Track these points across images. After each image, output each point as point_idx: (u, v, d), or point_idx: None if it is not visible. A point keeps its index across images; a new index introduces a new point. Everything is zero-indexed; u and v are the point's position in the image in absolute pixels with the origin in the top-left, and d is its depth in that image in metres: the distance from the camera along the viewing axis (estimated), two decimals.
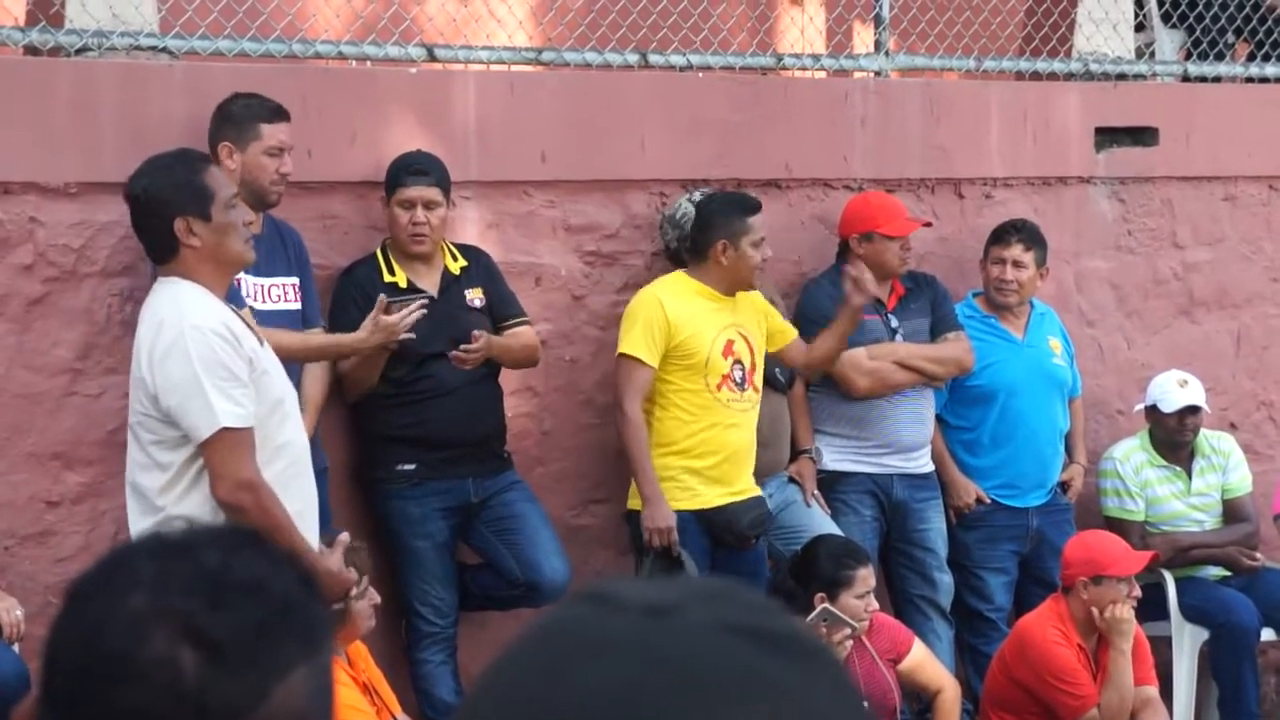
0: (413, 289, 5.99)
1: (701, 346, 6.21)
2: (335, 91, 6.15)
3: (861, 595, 6.14)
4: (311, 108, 6.01)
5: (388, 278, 5.98)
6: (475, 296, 6.10)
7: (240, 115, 5.66)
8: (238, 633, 1.39)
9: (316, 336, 5.70)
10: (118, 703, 1.37)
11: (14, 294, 5.64)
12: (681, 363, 6.21)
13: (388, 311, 5.61)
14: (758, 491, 6.35)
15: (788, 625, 1.16)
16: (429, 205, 5.94)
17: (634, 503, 6.27)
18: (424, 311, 5.59)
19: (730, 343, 6.28)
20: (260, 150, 5.63)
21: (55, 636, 1.43)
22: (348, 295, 5.97)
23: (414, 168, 5.95)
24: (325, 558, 4.82)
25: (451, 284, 6.06)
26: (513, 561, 6.06)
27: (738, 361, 6.28)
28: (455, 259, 6.10)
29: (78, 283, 5.70)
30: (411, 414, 5.99)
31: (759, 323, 6.41)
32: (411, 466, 5.99)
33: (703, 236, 6.29)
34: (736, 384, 6.27)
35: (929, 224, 6.94)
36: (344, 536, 4.96)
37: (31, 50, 5.87)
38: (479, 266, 6.15)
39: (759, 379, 6.36)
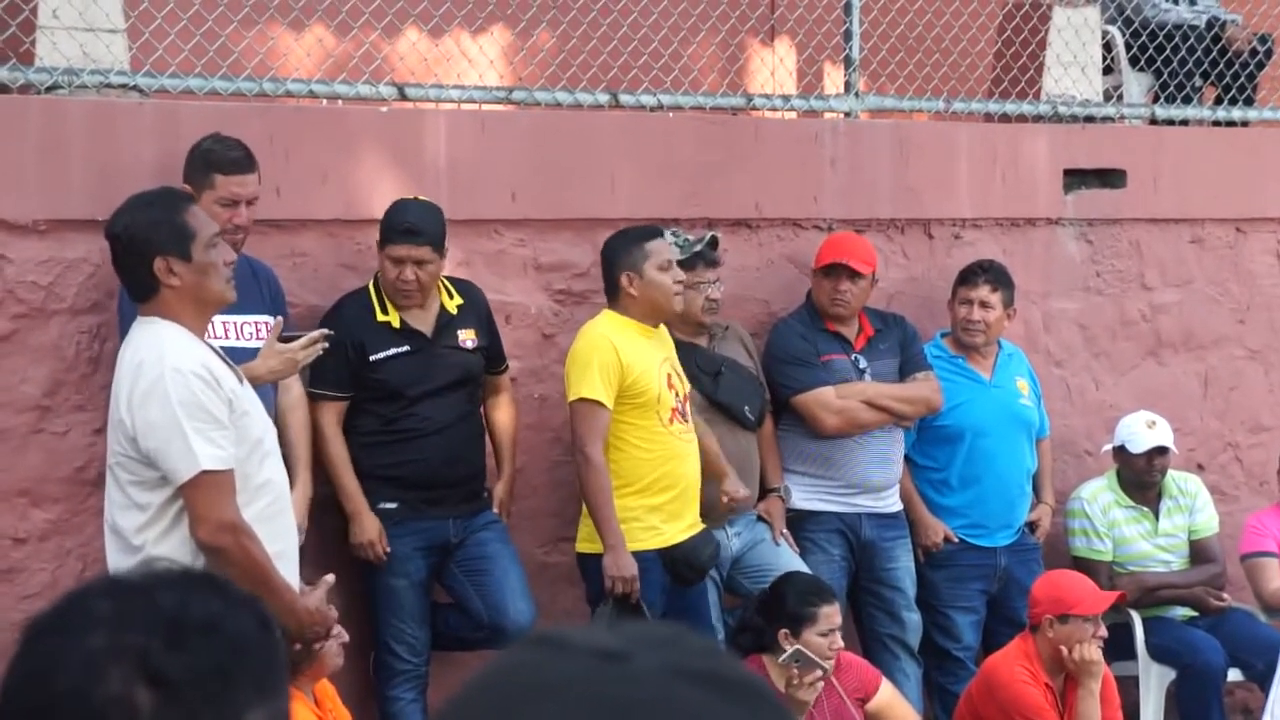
0: (406, 329, 5.99)
1: (651, 384, 6.18)
2: (306, 130, 6.16)
3: (825, 633, 6.13)
4: (282, 146, 6.02)
5: (380, 317, 5.98)
6: (468, 338, 6.10)
7: (200, 161, 5.63)
8: (194, 673, 1.38)
9: None
10: None
11: None
12: (634, 401, 6.16)
13: (285, 340, 5.31)
14: (702, 524, 6.34)
15: (738, 670, 1.16)
16: (419, 263, 5.92)
17: (585, 545, 6.24)
18: (326, 346, 5.29)
19: (669, 375, 6.27)
20: (212, 200, 5.54)
21: (10, 675, 1.42)
22: (335, 332, 5.96)
23: (405, 227, 5.88)
24: (306, 596, 4.81)
25: (447, 324, 6.06)
26: (479, 604, 6.06)
27: (676, 394, 6.28)
28: (451, 296, 6.09)
29: (46, 320, 5.69)
30: (396, 453, 5.99)
31: (674, 352, 6.39)
32: (393, 505, 5.99)
33: (609, 275, 6.25)
34: (682, 416, 6.27)
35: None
36: (329, 577, 4.97)
37: (1, 88, 5.87)
38: (474, 306, 6.14)
39: (690, 409, 6.35)
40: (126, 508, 4.66)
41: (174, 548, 4.57)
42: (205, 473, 4.54)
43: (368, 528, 5.96)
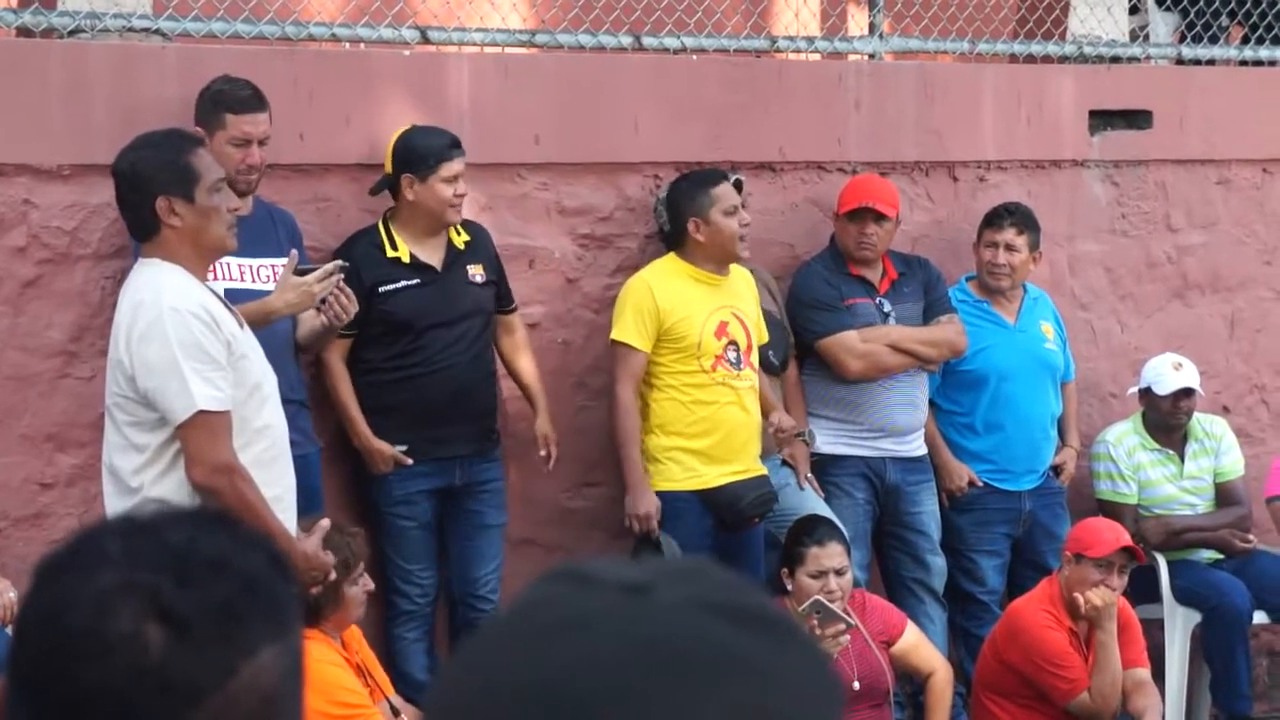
0: (416, 263, 6.00)
1: (692, 329, 6.25)
2: (329, 74, 6.15)
3: (817, 575, 6.08)
4: (305, 90, 6.01)
5: (390, 253, 5.99)
6: (477, 272, 6.13)
7: (210, 102, 5.63)
8: (204, 609, 1.39)
9: (247, 305, 5.30)
10: (83, 679, 1.37)
11: (7, 276, 5.65)
12: (674, 345, 6.25)
13: (301, 273, 5.29)
14: (762, 471, 6.36)
15: (761, 603, 1.17)
16: (463, 176, 6.00)
17: (656, 484, 6.29)
18: (342, 275, 5.30)
19: (723, 324, 6.30)
20: (225, 140, 5.56)
21: (22, 615, 1.43)
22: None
23: (453, 142, 5.97)
24: (302, 541, 4.81)
25: (456, 259, 6.09)
26: (449, 569, 6.15)
27: (732, 342, 6.30)
28: (459, 234, 6.12)
29: (71, 265, 5.70)
30: (405, 388, 6.01)
31: (753, 301, 6.43)
32: (403, 447, 6.01)
33: (676, 220, 6.36)
34: (731, 364, 6.29)
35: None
36: (324, 522, 4.96)
37: (24, 32, 5.87)
38: (481, 243, 6.18)
39: (754, 358, 6.38)
40: (124, 449, 4.66)
41: (171, 489, 4.57)
42: (202, 413, 4.53)
43: (382, 453, 5.98)
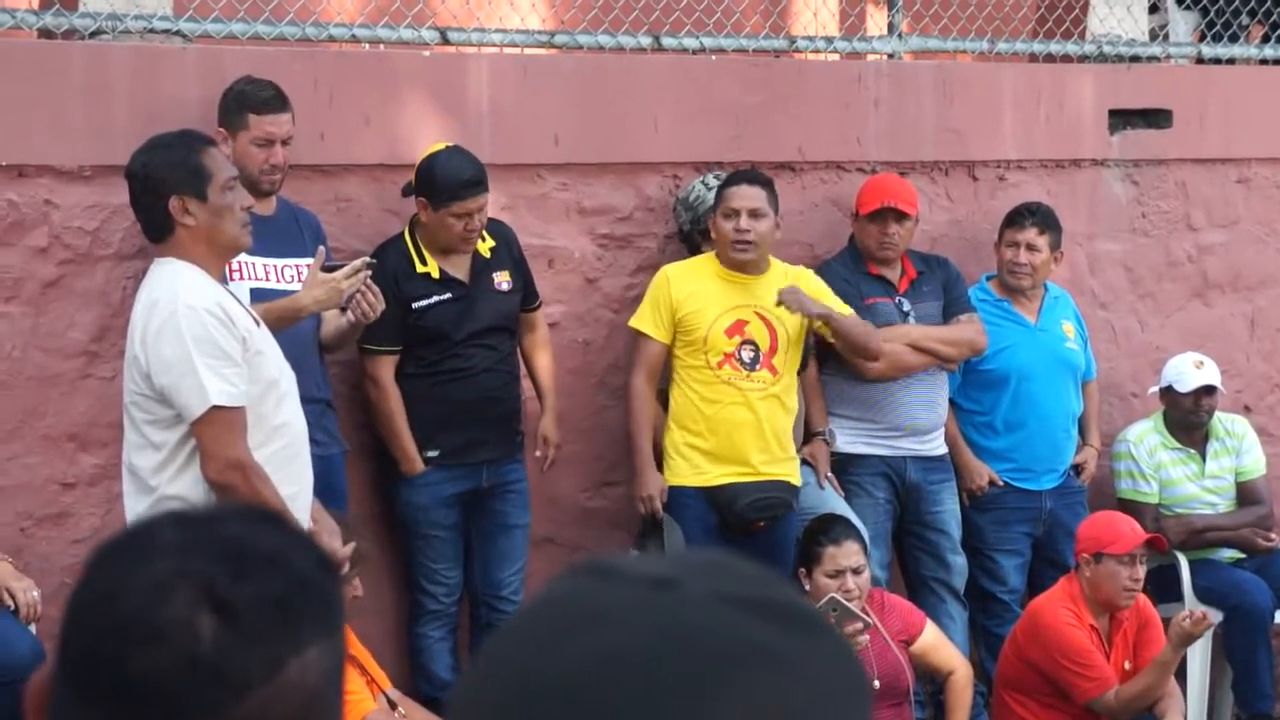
0: (445, 278, 6.00)
1: (701, 323, 6.25)
2: (349, 75, 6.16)
3: (833, 574, 6.07)
4: (325, 91, 6.02)
5: (419, 268, 6.00)
6: (504, 280, 6.13)
7: (234, 103, 5.65)
8: (257, 602, 1.39)
9: (275, 302, 5.37)
10: (133, 665, 1.37)
11: (29, 276, 5.66)
12: (685, 338, 6.30)
13: (328, 270, 5.30)
14: (782, 476, 6.33)
15: (788, 597, 1.16)
16: (482, 210, 5.97)
17: (666, 478, 6.32)
18: (369, 272, 5.32)
19: (741, 322, 6.29)
20: (248, 140, 5.59)
21: (75, 600, 1.43)
22: (378, 284, 5.97)
23: (471, 179, 5.90)
24: (317, 538, 4.82)
25: (483, 269, 6.09)
26: (474, 569, 6.15)
27: (748, 341, 6.28)
28: (484, 239, 6.11)
29: (92, 265, 5.72)
30: (435, 395, 6.01)
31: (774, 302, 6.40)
32: (434, 453, 6.02)
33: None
34: (743, 364, 6.28)
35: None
36: (332, 523, 4.98)
37: (46, 34, 5.89)
38: (506, 247, 6.17)
39: (781, 361, 6.35)
40: (142, 447, 4.67)
41: (187, 487, 4.59)
42: (216, 409, 4.54)
43: (417, 468, 6.02)
